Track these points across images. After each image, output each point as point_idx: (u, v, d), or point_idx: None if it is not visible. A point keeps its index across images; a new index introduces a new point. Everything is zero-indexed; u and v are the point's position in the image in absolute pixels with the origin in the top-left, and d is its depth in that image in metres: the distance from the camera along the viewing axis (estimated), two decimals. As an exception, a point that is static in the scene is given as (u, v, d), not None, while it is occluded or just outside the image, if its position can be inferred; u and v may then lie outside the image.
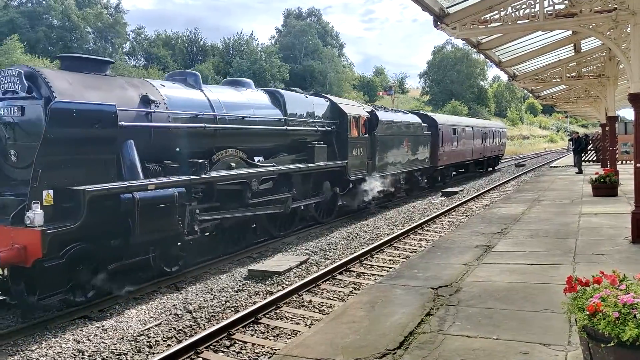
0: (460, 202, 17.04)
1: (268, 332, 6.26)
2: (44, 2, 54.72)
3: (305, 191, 12.17)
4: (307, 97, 12.58)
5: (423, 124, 19.54)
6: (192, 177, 8.34)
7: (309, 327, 6.17)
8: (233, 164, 9.66)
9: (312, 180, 12.26)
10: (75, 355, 5.62)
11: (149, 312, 6.94)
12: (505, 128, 37.34)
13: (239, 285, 8.12)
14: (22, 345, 5.89)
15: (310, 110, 12.37)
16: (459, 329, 4.64)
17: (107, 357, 5.59)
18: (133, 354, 5.67)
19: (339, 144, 13.10)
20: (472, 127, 25.97)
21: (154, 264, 7.80)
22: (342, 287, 8.11)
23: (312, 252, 10.34)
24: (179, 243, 8.16)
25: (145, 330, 6.32)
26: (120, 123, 7.26)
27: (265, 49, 57.75)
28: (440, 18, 8.41)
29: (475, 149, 26.22)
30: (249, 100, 10.54)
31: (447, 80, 77.30)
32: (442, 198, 18.82)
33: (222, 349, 5.76)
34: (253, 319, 6.54)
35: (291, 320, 6.66)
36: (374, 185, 14.68)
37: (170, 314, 6.87)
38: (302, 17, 73.80)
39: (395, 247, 10.86)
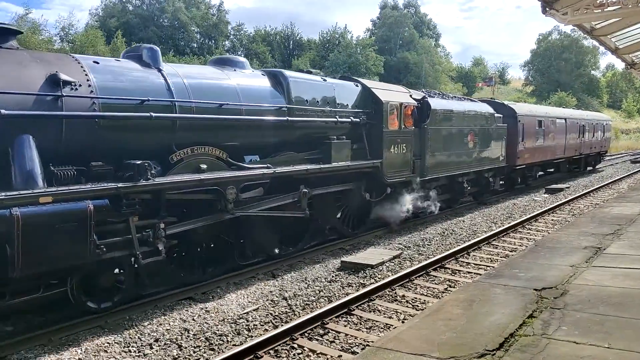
0: (566, 199, 15.92)
1: (361, 324, 6.29)
2: (157, 5, 58.83)
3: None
4: (324, 80, 9.96)
5: (497, 115, 15.98)
6: (121, 184, 6.08)
7: (402, 322, 6.12)
8: (203, 166, 7.21)
9: (331, 184, 9.80)
10: (181, 333, 6.00)
11: (247, 297, 7.25)
12: (610, 120, 31.57)
13: (332, 276, 8.24)
14: (136, 320, 6.38)
15: (329, 97, 9.72)
16: (565, 334, 4.35)
17: (209, 337, 5.90)
18: (233, 336, 5.95)
19: (371, 139, 10.53)
20: (565, 119, 21.95)
21: (73, 298, 6.05)
22: (436, 283, 7.93)
23: (405, 246, 10.22)
24: (118, 270, 6.47)
25: (244, 314, 6.61)
26: (3, 111, 5.32)
27: (360, 42, 57.67)
28: (549, 4, 7.90)
29: (568, 145, 22.12)
30: (235, 84, 8.02)
31: (553, 69, 72.48)
32: (546, 195, 17.69)
33: (316, 337, 5.88)
34: (346, 309, 6.60)
35: (384, 313, 6.64)
36: (423, 190, 12.12)
37: (267, 299, 7.14)
38: (399, 8, 72.64)
39: (493, 245, 10.42)
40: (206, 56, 47.98)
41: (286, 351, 5.54)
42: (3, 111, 5.29)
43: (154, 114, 6.64)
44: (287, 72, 9.17)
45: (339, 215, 10.44)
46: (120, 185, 6.06)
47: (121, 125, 6.51)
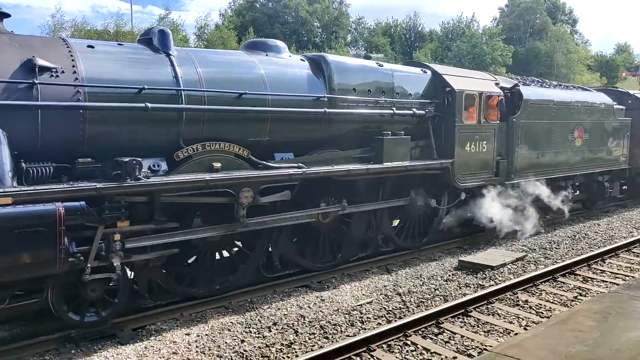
0: None
1: (478, 327, 6.05)
2: (282, 2, 61.19)
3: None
4: (380, 65, 8.43)
5: (617, 107, 13.39)
6: (100, 184, 5.31)
7: (525, 329, 5.79)
8: (217, 164, 6.30)
9: (386, 188, 8.53)
10: (298, 319, 6.23)
11: (361, 290, 7.31)
12: None
13: (449, 275, 8.00)
14: (256, 303, 6.74)
15: (386, 86, 8.23)
16: None
17: (324, 325, 6.06)
18: (347, 327, 6.06)
19: (440, 134, 8.98)
20: None
21: (54, 309, 5.52)
22: (564, 290, 7.36)
23: (530, 249, 9.58)
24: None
25: (357, 305, 6.69)
26: None
27: (486, 31, 54.85)
28: None
29: None
30: (262, 71, 6.94)
31: None
32: None
33: (430, 336, 5.79)
34: (462, 310, 6.40)
35: (504, 317, 6.32)
36: (510, 197, 10.03)
37: (381, 293, 7.13)
38: (530, -6, 67.75)
39: (634, 252, 9.37)
40: (327, 50, 48.91)
41: (399, 347, 5.51)
42: None
43: (150, 105, 5.78)
44: (331, 57, 7.92)
45: (395, 224, 9.16)
46: (99, 185, 5.29)
47: (112, 117, 5.72)
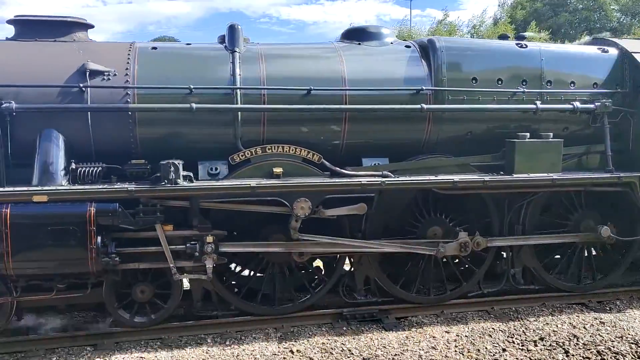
0: None
1: None
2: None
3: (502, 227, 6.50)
4: (522, 46, 6.45)
5: None
6: (133, 186, 5.20)
7: None
8: (277, 170, 5.64)
9: (533, 210, 6.52)
10: (569, 338, 5.77)
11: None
12: None
13: None
14: (522, 313, 6.43)
15: (530, 72, 6.33)
16: None
17: (602, 351, 5.48)
18: (632, 358, 5.37)
19: (623, 136, 6.59)
20: None
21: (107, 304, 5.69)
22: None
23: None
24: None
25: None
26: (6, 104, 5.13)
27: None
28: None
29: None
30: (341, 64, 5.99)
31: None
32: None
33: None
34: None
35: None
36: None
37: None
38: None
39: None
40: (625, 36, 41.53)
41: None
42: (13, 105, 5.16)
43: (195, 105, 5.44)
44: (441, 40, 6.28)
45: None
46: (131, 187, 5.20)
47: (161, 118, 5.60)
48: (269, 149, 5.75)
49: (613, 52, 6.80)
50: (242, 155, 5.70)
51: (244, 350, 5.45)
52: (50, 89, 5.39)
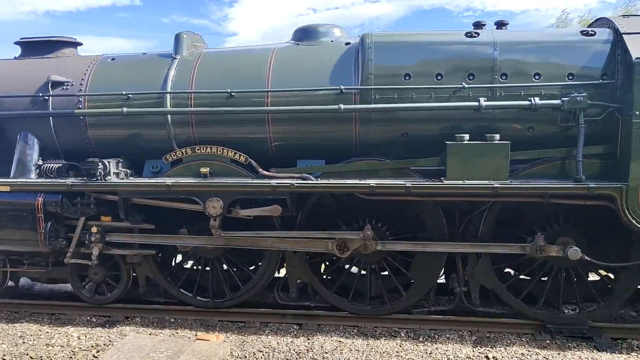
0: None
1: None
2: None
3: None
4: (472, 35, 5.60)
5: None
6: (70, 181, 6.01)
7: None
8: (203, 170, 5.87)
9: (485, 219, 5.76)
10: None
11: None
12: None
13: None
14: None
15: (479, 65, 5.50)
16: None
17: None
18: None
19: (610, 136, 5.31)
20: None
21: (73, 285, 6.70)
22: None
23: None
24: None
25: None
26: None
27: None
28: None
29: None
30: (268, 65, 5.99)
31: None
32: None
33: None
34: None
35: None
36: None
37: None
38: None
39: None
40: None
41: None
42: None
43: (125, 109, 6.00)
44: (373, 36, 5.77)
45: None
46: (70, 181, 6.03)
47: (105, 122, 6.29)
48: (198, 150, 6.05)
49: (602, 34, 5.50)
50: (174, 155, 6.10)
51: (437, 348, 5.46)
52: (26, 98, 6.49)
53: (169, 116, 6.13)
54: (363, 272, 6.40)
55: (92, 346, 5.70)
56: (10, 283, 7.00)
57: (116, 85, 6.28)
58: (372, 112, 5.67)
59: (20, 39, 7.05)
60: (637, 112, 5.00)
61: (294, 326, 6.10)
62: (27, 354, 5.50)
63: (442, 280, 6.56)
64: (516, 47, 5.55)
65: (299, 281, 6.41)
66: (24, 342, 5.81)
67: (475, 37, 5.63)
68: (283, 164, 6.04)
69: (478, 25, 5.87)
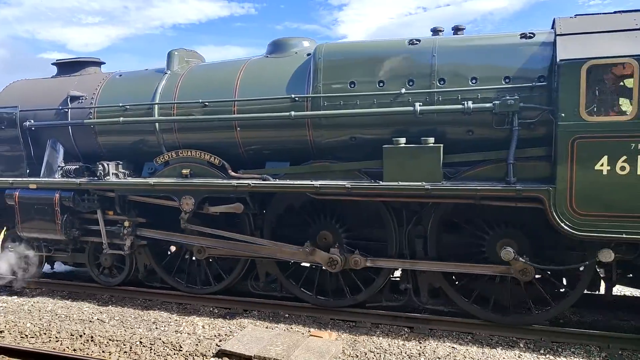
0: None
1: None
2: None
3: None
4: (414, 42, 5.86)
5: None
6: (80, 180, 7.16)
7: None
8: (184, 171, 6.73)
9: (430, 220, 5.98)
10: None
11: None
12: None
13: None
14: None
15: (419, 71, 5.75)
16: None
17: None
18: None
19: (538, 137, 5.38)
20: None
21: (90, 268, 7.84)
22: None
23: None
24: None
25: None
26: (27, 123, 7.67)
27: None
28: None
29: None
30: (237, 76, 6.70)
31: None
32: None
33: None
34: None
35: None
36: None
37: None
38: None
39: None
40: None
41: None
42: (32, 122, 7.70)
43: (122, 119, 7.01)
44: (323, 47, 6.23)
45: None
46: (79, 181, 7.14)
47: (111, 129, 7.29)
48: (181, 153, 6.90)
49: (541, 37, 5.48)
50: (162, 158, 7.01)
51: (559, 363, 5.15)
52: (52, 110, 7.74)
53: (157, 124, 7.03)
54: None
55: (215, 335, 6.00)
56: (47, 267, 8.37)
57: (118, 98, 7.31)
58: (322, 118, 6.12)
59: (57, 60, 8.40)
60: (562, 115, 4.97)
61: (405, 329, 6.09)
62: (160, 339, 5.87)
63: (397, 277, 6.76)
64: (454, 53, 5.73)
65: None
66: (156, 328, 6.30)
67: (416, 44, 5.88)
68: (254, 166, 6.70)
69: (457, 29, 6.10)
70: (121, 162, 7.23)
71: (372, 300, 6.52)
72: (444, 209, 5.93)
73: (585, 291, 5.92)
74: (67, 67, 8.29)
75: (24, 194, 7.47)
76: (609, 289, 5.98)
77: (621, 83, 4.88)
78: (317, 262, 6.36)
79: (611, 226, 4.94)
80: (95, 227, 7.43)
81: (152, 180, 6.83)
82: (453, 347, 5.54)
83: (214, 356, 5.41)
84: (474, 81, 5.61)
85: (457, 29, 6.19)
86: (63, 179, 7.39)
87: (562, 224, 5.05)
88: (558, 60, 4.98)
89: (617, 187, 4.86)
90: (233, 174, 6.59)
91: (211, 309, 6.95)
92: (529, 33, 5.57)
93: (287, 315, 6.64)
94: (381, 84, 5.91)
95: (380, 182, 5.73)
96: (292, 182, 6.18)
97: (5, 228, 8.18)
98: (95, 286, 7.84)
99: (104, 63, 8.41)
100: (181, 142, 6.99)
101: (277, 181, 6.29)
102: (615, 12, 5.43)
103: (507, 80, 5.50)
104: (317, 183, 5.99)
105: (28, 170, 7.89)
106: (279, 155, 6.63)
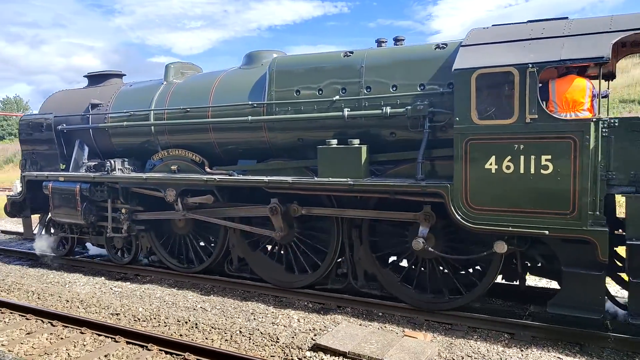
0: None
1: None
2: None
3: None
4: (347, 55, 6.77)
5: None
6: (93, 174, 8.60)
7: None
8: (173, 167, 8.04)
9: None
10: None
11: None
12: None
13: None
14: None
15: (350, 80, 6.54)
16: None
17: None
18: None
19: (450, 139, 5.75)
20: None
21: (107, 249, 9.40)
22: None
23: None
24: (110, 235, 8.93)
25: None
26: (60, 127, 9.37)
27: None
28: None
29: None
30: (214, 85, 7.91)
31: None
32: None
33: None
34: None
35: None
36: None
37: None
38: None
39: None
40: None
41: None
42: (65, 126, 9.32)
43: (126, 123, 8.45)
44: (277, 59, 7.27)
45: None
46: (93, 175, 8.60)
47: (121, 132, 8.72)
48: (171, 152, 8.18)
49: (451, 47, 6.03)
50: (157, 156, 8.33)
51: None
52: (78, 116, 9.35)
53: (152, 127, 8.34)
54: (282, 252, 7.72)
55: (310, 329, 6.05)
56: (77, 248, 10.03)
57: (126, 105, 8.72)
58: (275, 122, 7.06)
59: (89, 73, 10.05)
60: (457, 118, 5.53)
61: (505, 334, 5.84)
62: (258, 329, 6.05)
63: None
64: (379, 64, 6.45)
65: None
66: (254, 319, 6.48)
67: (349, 56, 6.66)
68: (229, 163, 7.79)
69: (396, 40, 6.83)
70: (127, 159, 8.63)
71: (320, 284, 7.34)
72: (373, 202, 6.61)
73: (508, 282, 6.38)
74: (94, 79, 9.91)
75: (56, 185, 9.10)
76: (521, 279, 6.36)
77: (505, 89, 5.33)
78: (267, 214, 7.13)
79: (500, 220, 5.43)
80: (107, 214, 8.90)
81: (144, 175, 8.15)
82: (558, 357, 5.27)
83: (309, 350, 5.46)
84: (394, 88, 6.29)
85: (396, 40, 6.86)
86: (82, 173, 8.93)
87: (459, 218, 5.60)
88: (453, 69, 5.54)
89: (504, 184, 5.35)
90: (208, 170, 7.71)
91: (306, 303, 7.07)
92: (442, 44, 6.15)
93: (380, 314, 6.62)
94: (320, 92, 6.74)
95: (316, 177, 6.56)
96: (248, 178, 7.19)
97: (43, 214, 9.93)
98: (200, 277, 8.33)
99: (124, 75, 9.96)
100: (171, 143, 8.23)
101: (240, 177, 7.30)
102: (527, 22, 5.85)
103: (421, 87, 6.12)
104: (266, 178, 6.93)
105: (63, 166, 9.55)
106: (248, 154, 7.65)
